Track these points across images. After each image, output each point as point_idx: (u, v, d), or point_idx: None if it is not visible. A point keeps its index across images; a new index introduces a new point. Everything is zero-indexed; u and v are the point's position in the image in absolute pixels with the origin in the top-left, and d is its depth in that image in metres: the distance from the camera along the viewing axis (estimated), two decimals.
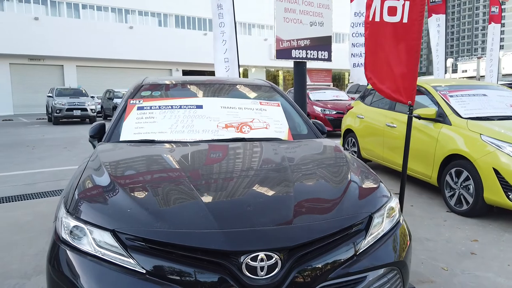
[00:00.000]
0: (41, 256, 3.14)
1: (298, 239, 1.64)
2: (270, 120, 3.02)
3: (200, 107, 3.00)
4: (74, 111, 16.10)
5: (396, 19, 2.57)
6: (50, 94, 17.23)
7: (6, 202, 4.65)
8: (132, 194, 1.81)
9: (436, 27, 11.18)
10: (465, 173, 4.10)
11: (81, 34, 25.42)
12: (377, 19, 2.66)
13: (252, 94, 3.41)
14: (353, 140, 6.49)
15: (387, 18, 2.61)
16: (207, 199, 1.78)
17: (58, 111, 15.92)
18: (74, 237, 1.69)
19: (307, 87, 12.38)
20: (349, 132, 6.67)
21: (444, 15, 11.62)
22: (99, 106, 20.04)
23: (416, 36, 2.52)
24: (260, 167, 2.22)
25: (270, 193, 1.89)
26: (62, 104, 16.02)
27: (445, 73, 12.11)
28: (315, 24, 7.58)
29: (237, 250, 1.56)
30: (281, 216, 1.72)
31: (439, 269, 2.98)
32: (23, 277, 2.79)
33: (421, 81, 5.33)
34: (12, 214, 4.13)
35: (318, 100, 11.10)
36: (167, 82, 3.39)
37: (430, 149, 4.61)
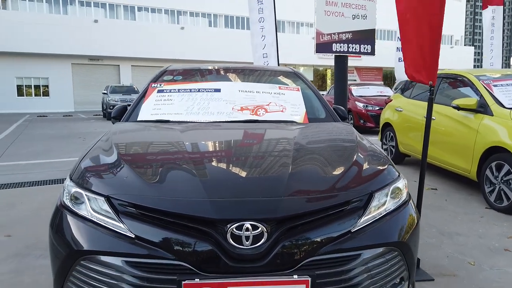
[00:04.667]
0: None
1: (285, 211, 1.60)
2: (287, 104, 2.98)
3: (218, 90, 3.03)
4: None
5: None
6: (105, 91, 18.24)
7: (51, 184, 5.00)
8: (131, 165, 1.87)
9: (490, 19, 10.45)
10: (506, 167, 3.80)
11: (136, 35, 26.60)
12: None
13: (273, 79, 3.39)
14: (391, 134, 6.24)
15: None
16: (201, 171, 1.80)
17: (111, 107, 16.78)
18: (74, 202, 1.78)
19: (351, 83, 12.07)
20: (387, 126, 6.42)
21: (502, 6, 10.82)
22: None
23: (438, 11, 2.37)
24: (264, 145, 2.21)
25: (266, 168, 1.87)
26: (115, 101, 16.87)
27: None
28: (357, 17, 7.36)
29: (223, 218, 1.56)
30: (272, 189, 1.69)
31: (465, 264, 2.78)
32: (47, 249, 2.98)
33: (464, 70, 5.01)
34: (54, 194, 4.41)
35: (361, 96, 10.78)
36: (190, 68, 3.47)
37: (469, 141, 4.31)
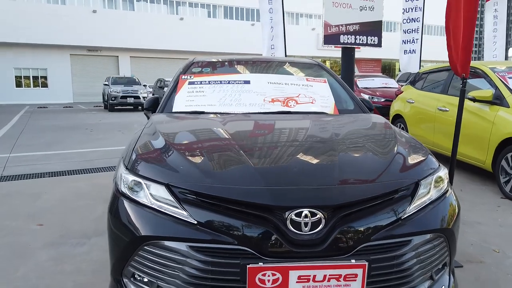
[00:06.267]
0: (99, 220, 3.40)
1: (341, 199, 1.67)
2: (316, 95, 3.04)
3: (247, 82, 3.09)
4: (128, 98, 16.88)
5: None
6: (106, 83, 18.17)
7: (70, 174, 5.05)
8: (184, 153, 1.93)
9: (493, 11, 10.48)
10: None
11: (135, 26, 26.44)
12: None
13: (299, 71, 3.45)
14: (402, 125, 6.32)
15: None
16: (254, 160, 1.85)
17: (113, 99, 16.76)
18: (132, 190, 1.83)
19: (356, 74, 12.11)
20: (398, 117, 6.50)
21: None
22: (150, 95, 20.84)
23: (474, 4, 2.43)
24: (306, 135, 2.27)
25: (315, 157, 1.93)
26: (117, 92, 16.84)
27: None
28: (365, 8, 7.40)
29: (283, 205, 1.62)
30: (325, 177, 1.76)
31: (490, 251, 2.88)
32: (83, 237, 3.05)
33: (478, 63, 5.07)
34: (75, 185, 4.49)
35: (366, 88, 10.85)
36: (216, 60, 3.51)
37: (484, 133, 4.40)
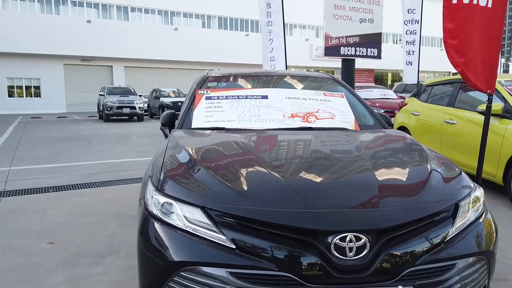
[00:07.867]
0: (111, 238, 3.30)
1: (386, 222, 1.62)
2: (335, 110, 3.01)
3: (265, 97, 3.04)
4: (124, 109, 16.74)
5: (482, 2, 2.48)
6: (102, 93, 18.00)
7: (74, 189, 4.93)
8: (216, 173, 1.87)
9: None
10: None
11: (130, 36, 26.38)
12: (466, 1, 2.56)
13: (315, 86, 3.42)
14: None
15: (475, 1, 2.52)
16: (289, 180, 1.80)
17: (109, 109, 16.61)
18: (164, 212, 1.76)
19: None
20: (402, 129, 6.49)
21: None
22: (145, 105, 20.71)
23: (499, 22, 2.43)
24: (336, 153, 2.23)
25: (351, 176, 1.89)
26: (113, 102, 16.70)
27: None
28: (365, 20, 7.45)
29: (327, 229, 1.57)
30: (366, 198, 1.72)
31: None
32: (97, 256, 2.95)
33: None
34: (82, 200, 4.38)
35: (365, 99, 10.89)
36: (231, 74, 3.47)
37: (495, 146, 4.40)
